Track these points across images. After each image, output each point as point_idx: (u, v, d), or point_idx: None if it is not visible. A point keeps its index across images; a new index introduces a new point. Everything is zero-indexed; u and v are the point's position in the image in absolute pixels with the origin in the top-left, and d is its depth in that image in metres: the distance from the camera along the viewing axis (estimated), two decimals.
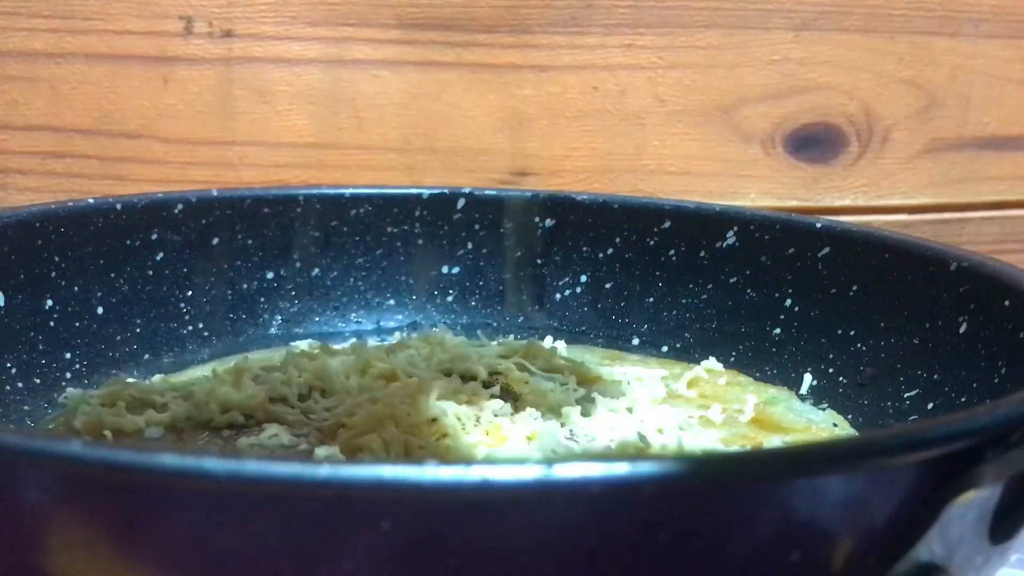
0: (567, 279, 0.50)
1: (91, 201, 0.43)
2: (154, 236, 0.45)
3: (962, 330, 0.37)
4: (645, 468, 0.19)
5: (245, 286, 0.48)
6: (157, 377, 0.42)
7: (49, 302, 0.41)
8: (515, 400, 0.38)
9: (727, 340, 0.46)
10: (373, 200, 0.50)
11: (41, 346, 0.40)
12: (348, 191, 0.50)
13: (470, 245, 0.50)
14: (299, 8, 0.54)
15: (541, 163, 0.58)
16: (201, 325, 0.46)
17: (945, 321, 0.38)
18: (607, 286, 0.50)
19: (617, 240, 0.49)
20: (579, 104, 0.58)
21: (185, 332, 0.46)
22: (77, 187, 0.54)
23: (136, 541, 0.19)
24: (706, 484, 0.19)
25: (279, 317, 0.48)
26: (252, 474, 0.18)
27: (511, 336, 0.49)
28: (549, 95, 0.57)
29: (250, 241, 0.48)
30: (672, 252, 0.48)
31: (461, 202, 0.50)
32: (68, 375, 0.41)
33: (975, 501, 0.22)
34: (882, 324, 0.41)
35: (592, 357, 0.46)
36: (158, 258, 0.45)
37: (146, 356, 0.44)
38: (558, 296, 0.50)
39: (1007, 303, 0.35)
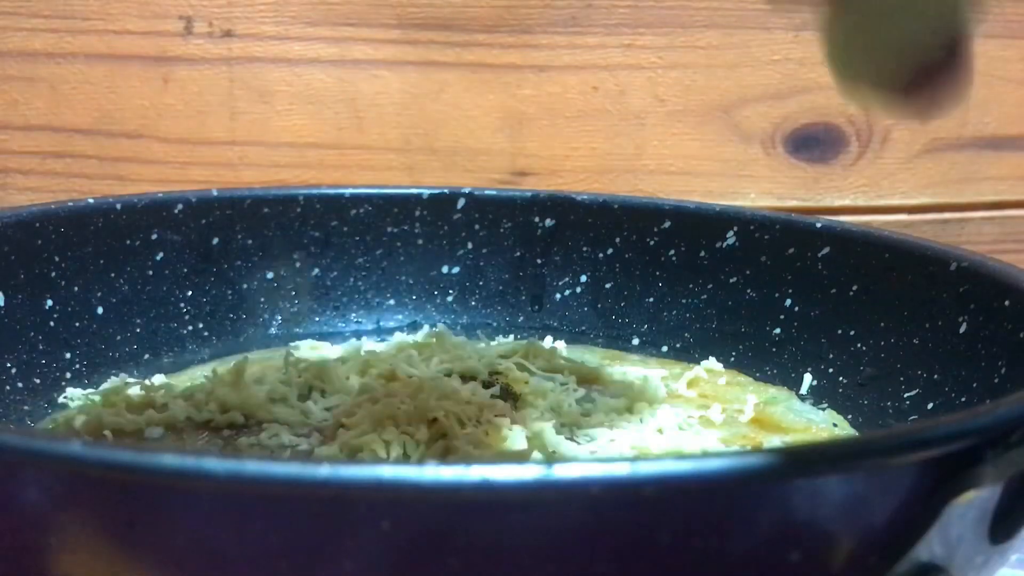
0: (567, 279, 0.50)
1: (91, 201, 0.43)
2: (154, 236, 0.45)
3: (962, 330, 0.37)
4: (645, 468, 0.19)
5: (245, 286, 0.48)
6: (157, 377, 0.42)
7: (49, 302, 0.41)
8: (515, 400, 0.38)
9: (727, 340, 0.46)
10: (373, 200, 0.50)
11: (41, 346, 0.40)
12: (348, 191, 0.50)
13: (470, 245, 0.50)
14: (299, 8, 0.54)
15: (541, 163, 0.58)
16: (201, 325, 0.46)
17: (945, 321, 0.38)
18: (607, 286, 0.50)
19: (617, 240, 0.49)
20: (579, 104, 0.58)
21: (185, 332, 0.46)
22: (77, 187, 0.54)
23: (136, 541, 0.19)
24: (706, 484, 0.19)
25: (279, 317, 0.48)
26: (252, 474, 0.18)
27: (511, 336, 0.49)
28: (549, 95, 0.57)
29: (250, 241, 0.48)
30: (672, 252, 0.48)
31: (461, 202, 0.50)
32: (68, 375, 0.41)
33: (975, 501, 0.22)
34: (882, 324, 0.41)
35: (592, 357, 0.46)
36: (158, 258, 0.45)
37: (146, 356, 0.44)
38: (558, 296, 0.50)
39: (1007, 303, 0.35)
